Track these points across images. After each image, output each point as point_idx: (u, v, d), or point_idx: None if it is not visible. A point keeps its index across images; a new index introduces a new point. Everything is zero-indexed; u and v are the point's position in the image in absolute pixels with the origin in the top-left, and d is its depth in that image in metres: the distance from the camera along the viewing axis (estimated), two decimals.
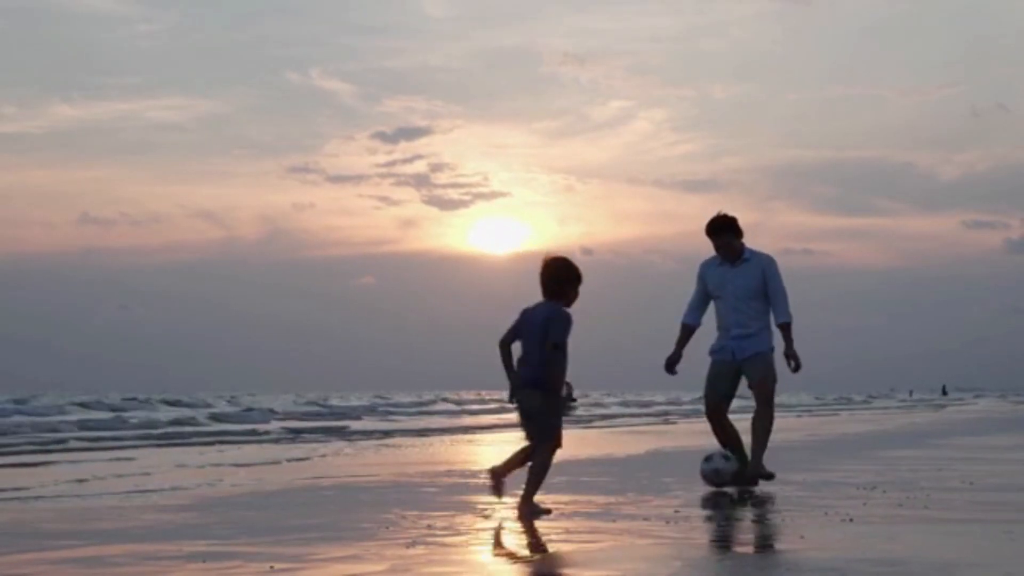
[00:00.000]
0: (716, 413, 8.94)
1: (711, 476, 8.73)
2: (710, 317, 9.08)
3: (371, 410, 39.32)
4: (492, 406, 45.47)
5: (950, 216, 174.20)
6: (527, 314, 7.19)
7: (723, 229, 8.88)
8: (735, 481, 8.71)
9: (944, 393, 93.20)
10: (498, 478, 7.14)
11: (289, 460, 13.78)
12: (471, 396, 70.60)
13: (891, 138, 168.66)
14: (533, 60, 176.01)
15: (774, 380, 8.97)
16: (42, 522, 7.35)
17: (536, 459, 7.08)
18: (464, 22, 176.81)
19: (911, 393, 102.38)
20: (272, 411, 34.16)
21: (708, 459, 8.80)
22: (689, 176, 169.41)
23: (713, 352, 8.97)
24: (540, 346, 7.05)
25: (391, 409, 41.21)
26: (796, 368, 8.87)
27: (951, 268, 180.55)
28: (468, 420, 32.07)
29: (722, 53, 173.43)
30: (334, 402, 48.44)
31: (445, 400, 56.33)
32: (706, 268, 9.03)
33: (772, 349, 8.92)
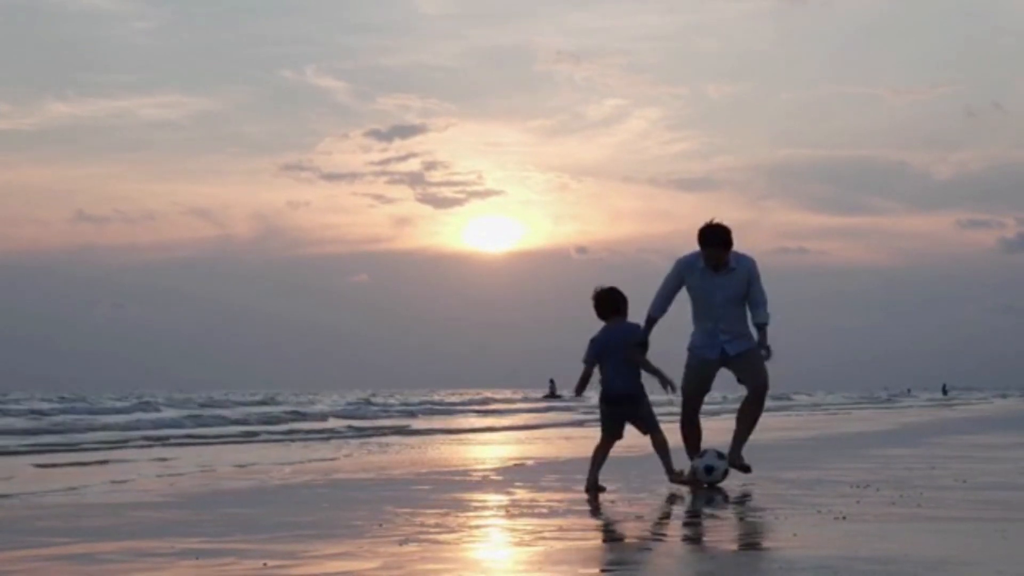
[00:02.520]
0: (694, 408, 8.96)
1: (702, 473, 8.65)
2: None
3: (430, 409, 39.36)
4: (541, 405, 45.91)
5: (945, 215, 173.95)
6: (605, 339, 8.51)
7: (718, 242, 8.76)
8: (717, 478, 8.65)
9: (944, 392, 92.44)
10: (594, 490, 8.33)
11: (314, 460, 13.72)
12: (515, 395, 70.29)
13: (886, 137, 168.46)
14: (528, 58, 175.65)
15: (767, 377, 9.00)
16: (36, 519, 7.35)
17: (658, 441, 8.54)
18: (458, 20, 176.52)
19: (909, 391, 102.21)
20: (329, 410, 34.37)
21: (701, 455, 8.76)
22: (684, 175, 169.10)
23: (697, 348, 8.93)
24: (626, 361, 8.45)
25: (453, 408, 41.47)
26: (766, 357, 8.91)
27: (945, 267, 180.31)
28: (531, 418, 32.02)
29: (717, 52, 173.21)
30: (390, 400, 48.61)
31: (495, 400, 56.25)
32: (689, 272, 8.87)
33: (758, 346, 8.94)
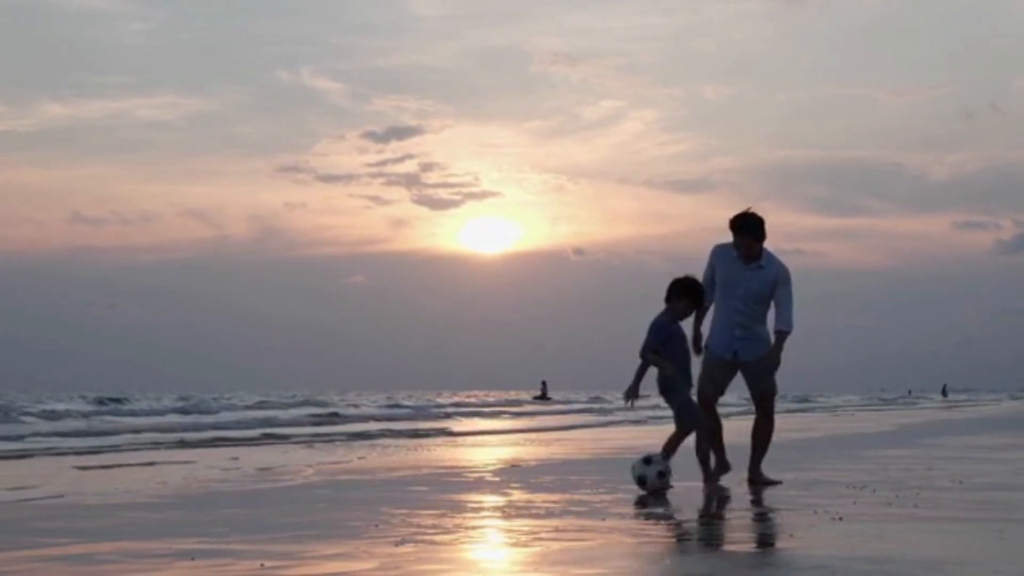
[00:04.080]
0: (709, 406, 8.87)
1: (636, 481, 8.37)
2: None
3: (461, 411, 39.46)
4: (579, 406, 46.16)
5: (941, 217, 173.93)
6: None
7: (749, 231, 8.70)
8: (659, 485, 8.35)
9: (944, 394, 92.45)
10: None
11: (341, 462, 13.69)
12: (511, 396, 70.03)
13: (883, 138, 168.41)
14: (524, 59, 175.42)
15: (775, 391, 8.99)
16: (33, 520, 7.34)
17: (673, 436, 8.73)
18: (455, 21, 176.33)
19: (910, 392, 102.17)
20: (376, 412, 34.87)
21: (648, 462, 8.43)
22: (680, 176, 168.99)
23: (712, 346, 8.86)
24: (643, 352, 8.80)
25: (500, 410, 41.65)
26: (774, 367, 8.83)
27: (942, 269, 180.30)
28: (569, 420, 32.01)
29: (713, 53, 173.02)
30: (406, 402, 48.96)
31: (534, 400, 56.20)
32: (720, 257, 8.84)
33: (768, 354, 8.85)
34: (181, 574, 5.04)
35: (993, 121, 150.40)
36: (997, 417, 32.97)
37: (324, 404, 42.15)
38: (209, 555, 5.50)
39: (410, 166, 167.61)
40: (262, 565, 5.16)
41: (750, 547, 5.81)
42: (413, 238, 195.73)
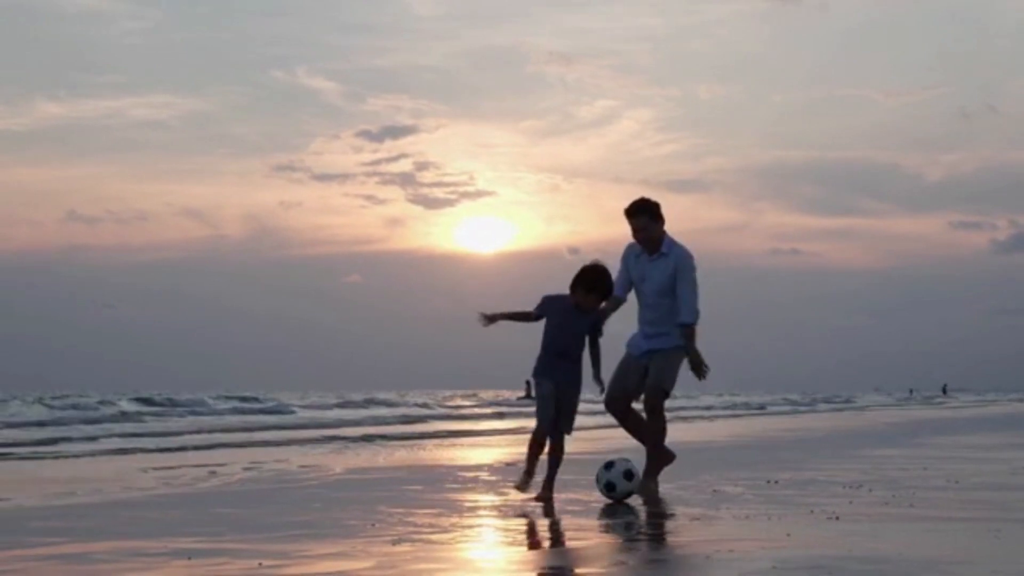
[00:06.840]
0: (615, 404, 8.46)
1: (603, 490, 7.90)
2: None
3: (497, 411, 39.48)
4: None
5: (937, 217, 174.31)
6: None
7: (639, 211, 8.40)
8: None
9: (944, 394, 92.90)
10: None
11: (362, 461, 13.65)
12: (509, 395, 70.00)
13: (878, 139, 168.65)
14: (519, 59, 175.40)
15: (665, 388, 8.39)
16: (28, 519, 7.33)
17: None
18: (451, 21, 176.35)
19: (911, 392, 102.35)
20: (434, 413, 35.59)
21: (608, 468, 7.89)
22: (675, 176, 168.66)
23: (628, 344, 8.59)
24: None
25: (517, 409, 41.91)
26: (701, 374, 8.36)
27: (938, 269, 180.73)
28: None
29: (708, 53, 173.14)
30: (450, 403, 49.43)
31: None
32: (629, 254, 8.58)
33: (679, 348, 8.37)
34: (178, 573, 5.04)
35: (989, 121, 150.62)
36: (997, 417, 33.00)
37: (389, 404, 42.61)
38: (206, 554, 5.50)
39: (405, 165, 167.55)
40: (259, 564, 5.16)
41: (746, 546, 5.81)
42: (408, 237, 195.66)
